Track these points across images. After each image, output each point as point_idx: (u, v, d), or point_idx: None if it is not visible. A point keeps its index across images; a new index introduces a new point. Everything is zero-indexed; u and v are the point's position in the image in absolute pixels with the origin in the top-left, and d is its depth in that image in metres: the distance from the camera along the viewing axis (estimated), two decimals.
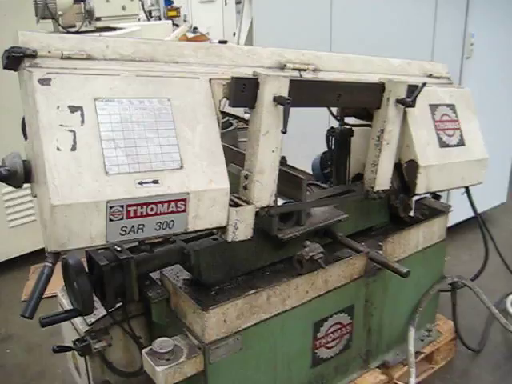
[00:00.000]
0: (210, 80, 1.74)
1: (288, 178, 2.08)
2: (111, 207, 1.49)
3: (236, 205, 1.79)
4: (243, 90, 1.72)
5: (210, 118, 1.71)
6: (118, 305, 1.91)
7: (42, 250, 1.56)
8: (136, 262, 1.87)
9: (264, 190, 1.83)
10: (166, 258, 2.03)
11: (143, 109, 1.59)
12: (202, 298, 2.02)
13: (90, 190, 1.46)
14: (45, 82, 1.46)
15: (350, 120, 2.54)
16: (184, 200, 1.62)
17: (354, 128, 2.51)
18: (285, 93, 1.75)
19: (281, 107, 1.74)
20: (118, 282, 1.84)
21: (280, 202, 2.00)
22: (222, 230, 1.78)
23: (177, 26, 7.35)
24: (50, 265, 1.51)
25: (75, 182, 1.44)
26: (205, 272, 2.04)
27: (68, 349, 2.04)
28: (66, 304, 2.13)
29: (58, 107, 1.46)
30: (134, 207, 1.53)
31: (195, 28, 7.42)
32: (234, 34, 9.07)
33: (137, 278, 1.88)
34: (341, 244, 2.27)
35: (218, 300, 2.02)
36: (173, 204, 1.60)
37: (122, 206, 1.51)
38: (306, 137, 3.82)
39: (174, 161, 1.61)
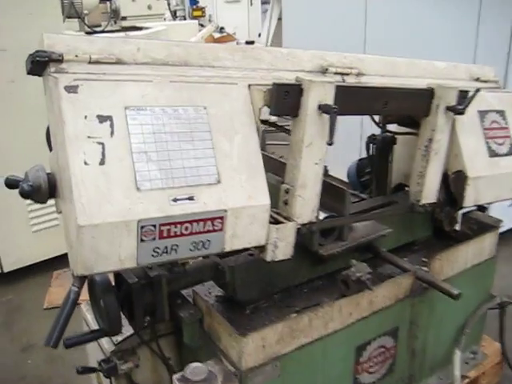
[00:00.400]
0: (249, 86, 1.60)
1: (329, 189, 1.93)
2: (143, 227, 1.36)
3: (276, 222, 1.64)
4: (285, 98, 1.58)
5: (249, 127, 1.56)
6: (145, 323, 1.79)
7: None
8: (167, 279, 1.74)
9: (306, 206, 1.68)
10: (199, 275, 1.90)
11: (177, 118, 1.46)
12: (237, 317, 1.89)
13: (120, 209, 1.33)
14: (71, 89, 1.33)
15: (391, 127, 2.38)
16: (221, 218, 1.48)
17: (396, 136, 2.34)
18: (330, 100, 1.61)
19: (326, 116, 1.60)
20: (147, 301, 1.72)
21: (320, 214, 1.85)
22: (261, 248, 1.63)
23: (202, 26, 7.22)
24: (76, 289, 1.39)
25: (104, 200, 1.31)
26: (240, 289, 1.90)
27: (92, 370, 1.92)
28: (91, 319, 2.02)
29: (86, 117, 1.33)
30: (168, 226, 1.40)
31: (222, 28, 7.28)
32: (260, 35, 8.93)
33: (168, 296, 1.75)
34: (384, 260, 2.11)
35: (253, 320, 1.89)
36: (209, 222, 1.46)
37: (154, 226, 1.38)
38: (336, 143, 3.66)
39: (211, 175, 1.47)
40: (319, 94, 1.58)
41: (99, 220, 1.30)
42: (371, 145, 2.41)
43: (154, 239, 1.39)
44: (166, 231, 1.40)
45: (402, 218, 2.26)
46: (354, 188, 2.71)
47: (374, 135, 2.38)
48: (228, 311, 1.94)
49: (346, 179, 2.71)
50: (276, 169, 2.02)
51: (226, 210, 1.47)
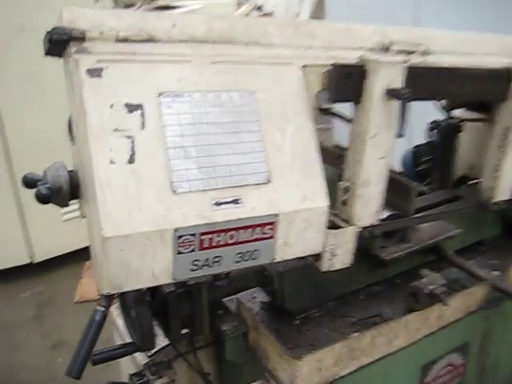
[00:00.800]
0: (304, 67, 1.35)
1: (392, 184, 1.67)
2: (180, 236, 1.14)
3: (333, 226, 1.41)
4: (347, 81, 1.33)
5: (304, 115, 1.32)
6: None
7: None
8: (207, 287, 1.52)
9: (369, 207, 1.44)
10: (243, 282, 1.70)
11: (221, 106, 1.23)
12: (286, 329, 1.68)
13: (154, 216, 1.11)
14: (95, 72, 1.11)
15: (457, 112, 2.11)
16: (272, 223, 1.25)
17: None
18: (399, 83, 1.35)
19: (395, 103, 1.34)
20: (185, 312, 1.51)
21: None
22: (316, 257, 1.40)
23: (239, 5, 6.91)
24: (103, 309, 1.18)
25: (134, 205, 1.09)
26: (290, 298, 1.69)
27: None
28: (122, 325, 1.82)
29: (112, 106, 1.11)
30: (210, 235, 1.18)
31: (260, 7, 6.94)
32: (298, 15, 8.56)
33: (208, 306, 1.54)
34: (451, 264, 1.85)
35: (304, 333, 1.68)
36: (258, 229, 1.24)
37: (193, 235, 1.16)
38: None
39: (260, 173, 1.24)
40: (387, 76, 1.33)
41: (129, 230, 1.08)
42: (433, 132, 2.14)
43: (194, 250, 1.17)
44: (207, 241, 1.18)
45: (470, 215, 2.00)
46: (408, 178, 2.45)
47: (436, 121, 2.11)
48: (275, 321, 1.72)
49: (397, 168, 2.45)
50: (330, 159, 1.79)
51: (277, 215, 1.25)
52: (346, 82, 1.33)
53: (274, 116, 1.29)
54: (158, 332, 1.57)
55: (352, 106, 1.40)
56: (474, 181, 2.08)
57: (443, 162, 2.15)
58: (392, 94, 1.32)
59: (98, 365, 1.46)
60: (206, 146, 1.19)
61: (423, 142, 2.35)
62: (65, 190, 1.19)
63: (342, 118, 1.57)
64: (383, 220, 1.57)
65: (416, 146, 2.43)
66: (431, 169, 2.31)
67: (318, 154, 1.33)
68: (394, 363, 1.59)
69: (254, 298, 1.83)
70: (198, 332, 1.57)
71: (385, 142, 1.39)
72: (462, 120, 2.06)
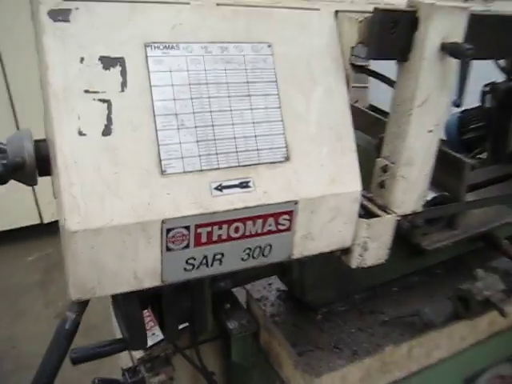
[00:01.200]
0: (337, 13, 1.06)
1: (439, 158, 1.38)
2: (169, 230, 0.89)
3: (367, 214, 1.14)
4: (392, 31, 1.03)
5: (336, 75, 1.05)
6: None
7: None
8: (210, 278, 1.28)
9: (411, 191, 1.16)
10: (255, 271, 1.44)
11: (227, 61, 0.95)
12: (305, 325, 1.44)
13: (135, 204, 0.86)
14: (60, 15, 0.85)
15: None
16: (289, 213, 0.99)
17: None
18: (460, 36, 1.05)
19: (452, 61, 1.05)
20: (183, 306, 1.27)
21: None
22: (344, 251, 1.14)
23: None
24: (74, 316, 0.95)
25: (109, 190, 0.84)
26: (311, 290, 1.44)
27: (114, 383, 1.50)
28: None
29: (83, 60, 0.85)
30: (208, 228, 0.92)
31: None
32: None
33: (212, 299, 1.30)
34: (504, 255, 1.57)
35: (326, 331, 1.43)
36: (271, 220, 0.98)
37: (187, 228, 0.90)
38: None
39: (276, 148, 0.97)
40: (445, 26, 1.03)
41: (101, 222, 0.84)
42: (489, 96, 1.82)
43: (188, 247, 0.93)
44: (205, 235, 0.93)
45: None
46: (452, 148, 2.14)
47: (494, 83, 1.79)
48: (293, 315, 1.48)
49: None
50: (364, 122, 1.51)
51: (296, 202, 0.98)
52: (390, 34, 1.03)
53: (297, 76, 1.01)
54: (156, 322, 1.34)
55: (396, 65, 1.11)
56: None
57: (498, 131, 1.83)
58: (450, 49, 1.02)
59: (78, 364, 1.22)
60: (207, 113, 0.92)
61: (473, 106, 2.03)
62: (29, 166, 0.94)
63: (381, 78, 1.27)
64: (428, 204, 1.30)
65: (464, 111, 2.10)
66: (480, 138, 1.99)
67: (351, 125, 1.05)
68: (431, 377, 1.34)
69: (269, 285, 1.59)
70: (199, 329, 1.33)
71: (436, 111, 1.10)
72: None
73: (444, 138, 2.16)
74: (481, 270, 1.31)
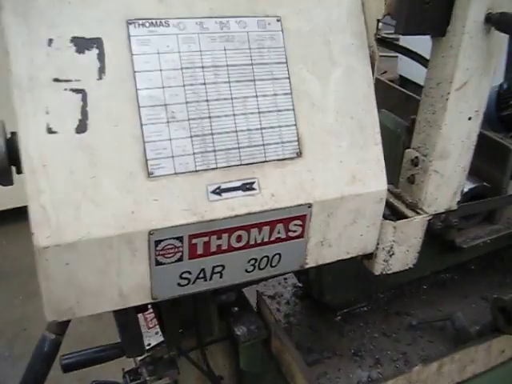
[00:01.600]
0: None
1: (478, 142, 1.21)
2: (158, 242, 0.76)
3: (394, 214, 0.99)
4: (427, 3, 0.87)
5: (358, 54, 0.89)
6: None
7: None
8: None
9: (445, 187, 1.01)
10: None
11: (227, 40, 0.80)
12: (323, 327, 1.33)
13: (116, 212, 0.73)
14: None
15: None
16: (302, 218, 0.85)
17: None
18: (509, 6, 0.88)
19: (499, 35, 0.88)
20: (184, 313, 1.13)
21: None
22: (367, 256, 1.00)
23: None
24: (53, 336, 0.83)
25: (85, 197, 0.71)
26: (329, 290, 1.31)
27: None
28: None
29: (51, 42, 0.71)
30: (205, 238, 0.79)
31: None
32: None
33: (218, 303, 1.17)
34: None
35: (346, 334, 1.31)
36: (280, 226, 0.84)
37: (179, 239, 0.77)
38: None
39: (286, 143, 0.83)
40: None
41: (76, 235, 0.71)
42: None
43: (181, 259, 0.79)
44: (201, 246, 0.79)
45: None
46: (490, 126, 1.95)
47: None
48: (310, 315, 1.36)
49: None
50: (392, 99, 1.36)
51: (310, 205, 0.84)
52: (424, 3, 0.87)
53: (311, 55, 0.86)
54: None
55: (431, 42, 0.94)
56: None
57: None
58: (497, 21, 0.86)
59: (69, 372, 1.10)
60: (203, 102, 0.78)
61: None
62: (2, 162, 0.82)
63: (412, 56, 1.11)
64: (464, 197, 1.14)
65: (502, 84, 1.91)
66: None
67: (376, 112, 0.90)
68: None
69: (285, 281, 1.46)
70: (203, 332, 1.21)
71: (477, 95, 0.94)
72: None
73: None
74: None
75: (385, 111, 1.31)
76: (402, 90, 1.53)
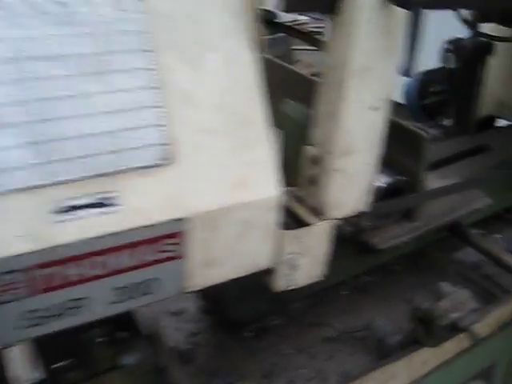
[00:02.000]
0: None
1: (392, 132, 1.10)
2: None
3: (295, 222, 0.87)
4: None
5: (238, 37, 0.75)
6: None
7: None
8: None
9: (351, 187, 0.90)
10: None
11: (68, 24, 0.65)
12: (231, 345, 1.19)
13: None
14: None
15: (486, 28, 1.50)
16: (176, 235, 0.71)
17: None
18: None
19: (399, 13, 0.77)
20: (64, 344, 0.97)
21: None
22: (266, 271, 0.87)
23: None
24: None
25: None
26: (236, 304, 1.18)
27: None
28: None
29: None
30: (51, 269, 0.64)
31: None
32: None
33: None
34: (471, 246, 1.33)
35: (257, 353, 1.17)
36: (148, 248, 0.70)
37: (20, 272, 0.62)
38: None
39: (152, 147, 0.69)
40: None
41: None
42: (451, 54, 1.55)
43: (24, 297, 0.64)
44: (45, 278, 0.64)
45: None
46: (412, 115, 1.87)
47: (458, 39, 1.51)
48: (217, 331, 1.22)
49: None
50: (304, 92, 1.23)
51: (186, 219, 0.70)
52: None
53: (183, 41, 0.72)
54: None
55: (325, 21, 0.82)
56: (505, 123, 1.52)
57: (463, 95, 1.57)
58: None
59: None
60: (40, 101, 0.63)
61: (434, 66, 1.75)
62: None
63: (305, 38, 0.98)
64: (379, 193, 1.03)
65: (425, 73, 1.82)
66: (443, 103, 1.72)
67: (262, 104, 0.77)
68: None
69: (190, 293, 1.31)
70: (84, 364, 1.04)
71: (380, 80, 0.82)
72: (493, 38, 1.46)
73: (403, 102, 1.89)
74: (445, 283, 1.04)
75: (291, 101, 1.18)
76: (313, 78, 1.41)
